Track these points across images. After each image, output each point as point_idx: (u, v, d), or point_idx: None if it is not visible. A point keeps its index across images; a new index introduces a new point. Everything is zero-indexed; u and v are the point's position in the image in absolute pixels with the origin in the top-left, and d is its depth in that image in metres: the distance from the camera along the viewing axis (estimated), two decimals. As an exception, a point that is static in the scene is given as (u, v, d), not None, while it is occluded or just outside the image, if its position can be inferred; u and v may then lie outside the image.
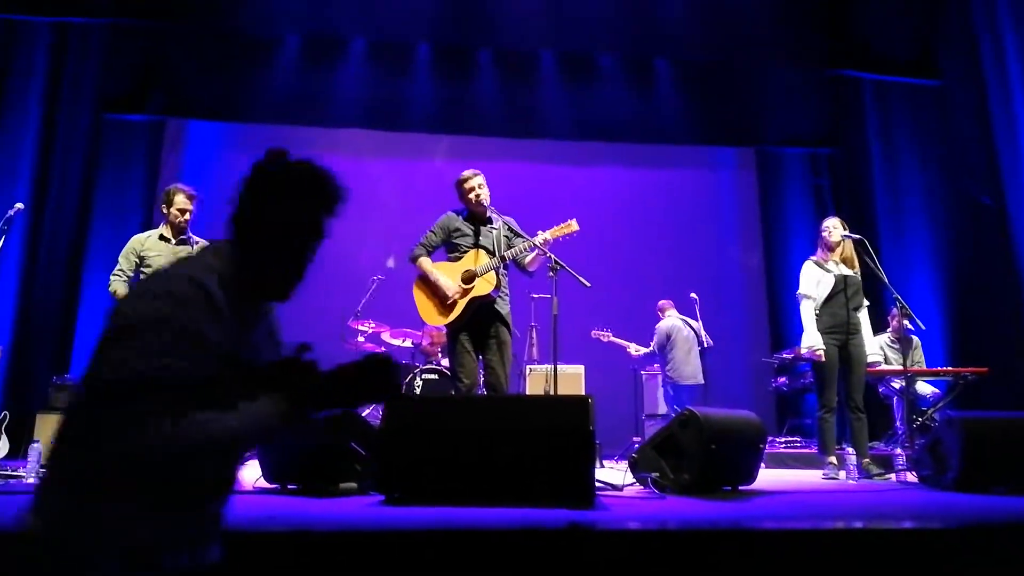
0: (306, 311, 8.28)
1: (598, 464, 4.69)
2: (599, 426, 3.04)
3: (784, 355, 7.73)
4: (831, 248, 5.20)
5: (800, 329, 5.20)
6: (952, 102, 8.07)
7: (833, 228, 5.21)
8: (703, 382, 7.06)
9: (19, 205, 4.93)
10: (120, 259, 4.63)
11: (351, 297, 7.27)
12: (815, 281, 5.16)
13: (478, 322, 4.33)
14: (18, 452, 5.62)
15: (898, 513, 3.09)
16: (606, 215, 8.63)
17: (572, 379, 6.93)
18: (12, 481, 4.11)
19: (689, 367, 7.02)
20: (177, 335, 1.29)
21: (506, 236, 4.48)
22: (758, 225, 9.16)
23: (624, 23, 8.41)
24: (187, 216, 4.66)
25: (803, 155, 9.11)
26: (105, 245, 7.44)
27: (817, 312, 5.10)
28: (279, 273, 1.67)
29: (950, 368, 6.60)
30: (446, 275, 4.38)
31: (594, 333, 7.40)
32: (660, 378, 7.30)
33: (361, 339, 7.18)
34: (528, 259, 4.41)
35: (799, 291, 5.23)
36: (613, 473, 4.53)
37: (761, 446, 4.03)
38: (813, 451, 6.33)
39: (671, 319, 7.24)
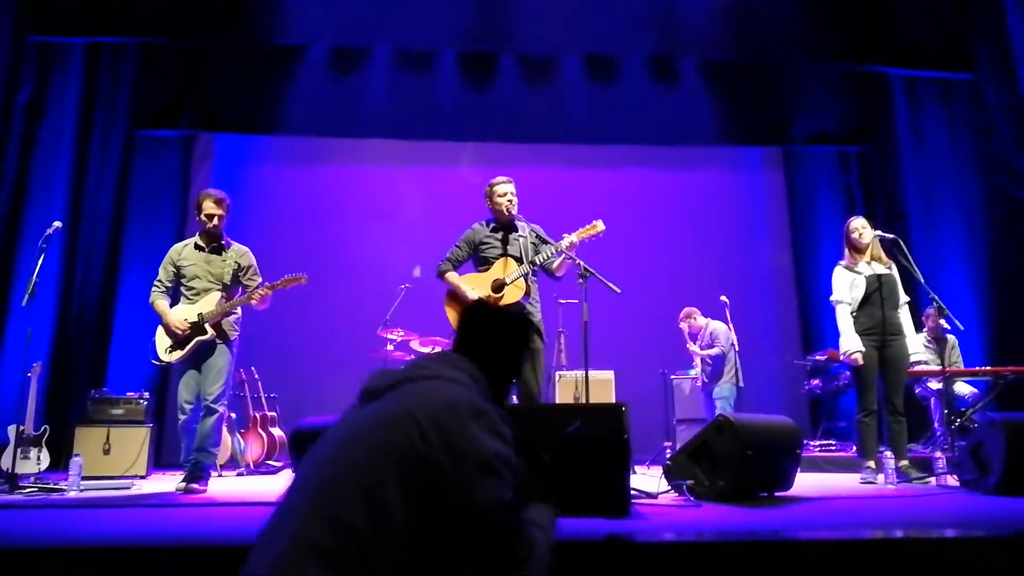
0: (335, 320, 8.42)
1: (631, 470, 4.66)
2: (631, 432, 3.03)
3: (817, 357, 7.64)
4: (860, 249, 5.10)
5: (835, 333, 5.13)
6: (984, 95, 7.91)
7: (862, 229, 5.11)
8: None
9: (57, 224, 5.02)
10: (159, 270, 4.70)
11: (379, 306, 7.31)
12: (848, 285, 5.07)
13: (509, 331, 4.32)
14: (58, 465, 5.74)
15: (939, 520, 3.03)
16: (633, 219, 8.59)
17: (603, 385, 6.90)
18: (54, 495, 4.20)
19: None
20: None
21: (533, 243, 4.48)
22: (787, 226, 9.06)
23: (648, 24, 8.37)
24: (216, 221, 4.64)
25: (832, 153, 9.00)
26: (139, 259, 7.59)
27: (854, 315, 5.02)
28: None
29: (989, 368, 6.46)
30: (474, 287, 4.39)
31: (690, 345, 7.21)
32: (703, 382, 7.14)
33: (390, 347, 7.21)
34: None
35: (832, 298, 5.15)
36: (646, 479, 4.50)
37: (797, 451, 3.98)
38: (848, 454, 6.24)
39: (714, 322, 7.15)
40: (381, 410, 1.54)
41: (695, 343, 7.15)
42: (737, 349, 6.97)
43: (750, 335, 7.54)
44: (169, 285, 4.67)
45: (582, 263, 4.23)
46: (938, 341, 6.27)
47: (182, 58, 8.07)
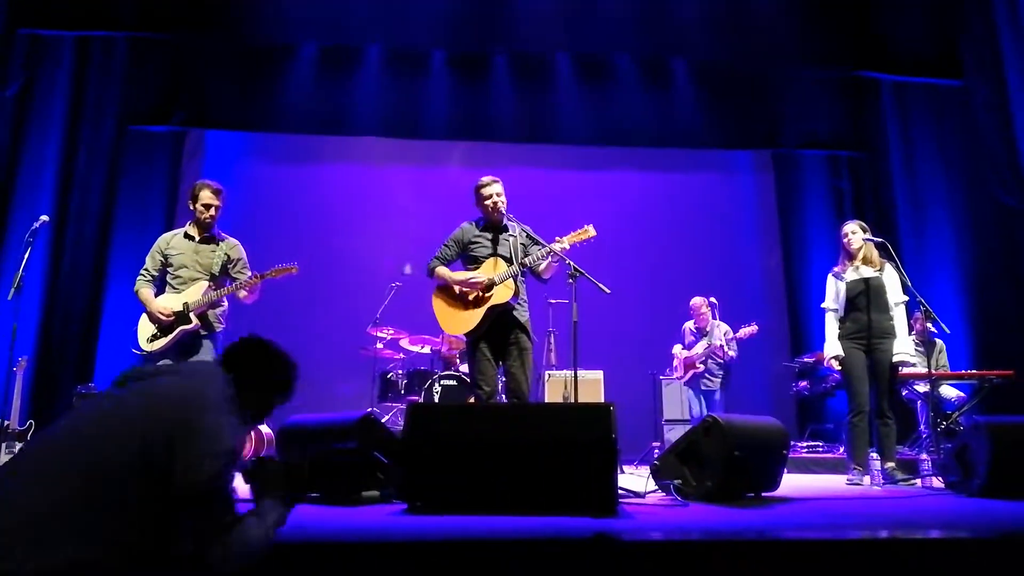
0: (325, 318, 8.40)
1: (618, 470, 4.67)
2: (619, 431, 3.03)
3: (805, 359, 7.68)
4: (851, 255, 5.13)
5: (823, 336, 5.16)
6: (974, 102, 7.98)
7: (852, 233, 5.14)
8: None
9: (44, 218, 4.99)
10: (147, 259, 4.61)
11: (369, 304, 7.30)
12: (835, 292, 5.12)
13: (498, 330, 4.33)
14: (44, 460, 5.69)
15: (925, 521, 3.05)
16: (623, 220, 8.61)
17: (592, 384, 6.91)
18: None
19: None
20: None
21: (523, 243, 4.47)
22: (777, 229, 9.10)
23: (640, 26, 8.40)
24: (212, 212, 4.58)
25: (822, 158, 9.04)
26: (127, 255, 7.54)
27: (842, 319, 5.06)
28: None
29: (975, 371, 6.51)
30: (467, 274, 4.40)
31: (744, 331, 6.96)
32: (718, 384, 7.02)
33: (380, 345, 7.20)
34: (543, 266, 4.38)
35: (823, 304, 5.20)
36: (634, 479, 4.51)
37: (784, 453, 4.00)
38: (835, 456, 6.28)
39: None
40: (144, 389, 1.80)
41: (703, 339, 7.04)
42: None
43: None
44: (156, 274, 4.58)
45: (572, 263, 4.23)
46: (926, 344, 6.31)
47: (173, 54, 8.03)
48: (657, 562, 2.11)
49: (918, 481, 4.62)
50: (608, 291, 4.11)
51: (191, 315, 4.40)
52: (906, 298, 5.12)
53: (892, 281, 5.09)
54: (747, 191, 9.40)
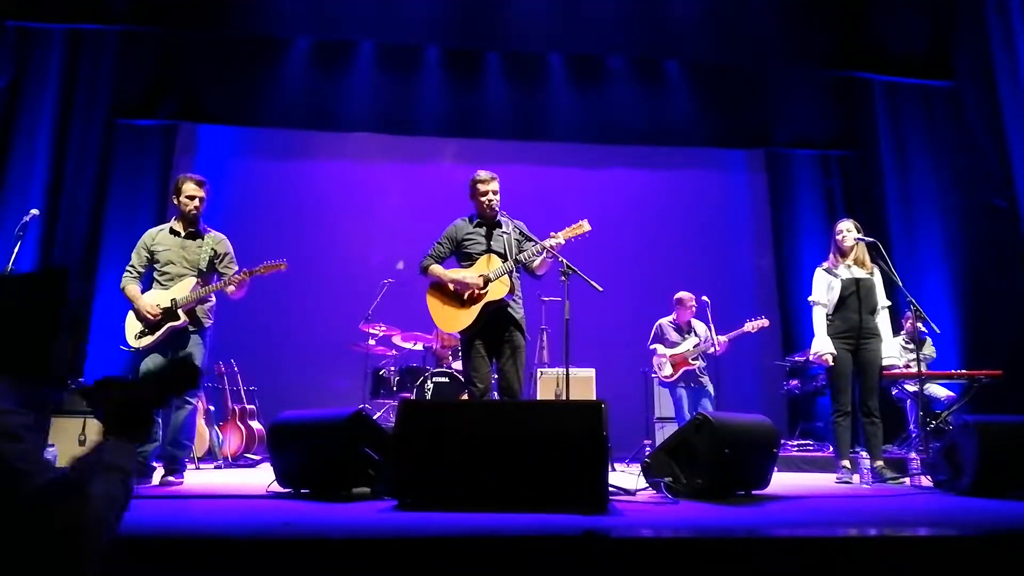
0: (317, 315, 8.38)
1: (609, 467, 4.67)
2: (610, 429, 3.04)
3: (796, 358, 7.70)
4: (844, 252, 5.16)
5: (812, 334, 5.19)
6: (965, 103, 8.02)
7: (847, 231, 5.16)
8: None
9: (34, 211, 4.96)
10: (132, 255, 4.58)
11: (361, 300, 7.29)
12: (825, 287, 5.14)
13: (492, 327, 4.32)
14: (33, 456, 5.66)
15: (913, 519, 3.07)
16: (616, 218, 8.62)
17: (583, 382, 6.91)
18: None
19: None
20: None
21: (517, 240, 4.47)
22: (769, 227, 9.13)
23: (634, 25, 8.39)
24: (196, 203, 4.53)
25: (814, 157, 9.08)
26: (118, 249, 7.49)
27: (830, 317, 5.08)
28: None
29: (964, 371, 6.55)
30: (461, 273, 4.39)
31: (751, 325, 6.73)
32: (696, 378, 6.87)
33: (372, 342, 7.19)
34: (536, 262, 4.38)
35: (810, 298, 5.21)
36: (625, 477, 4.52)
37: (774, 451, 4.01)
38: (825, 454, 6.30)
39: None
40: None
41: (683, 335, 6.97)
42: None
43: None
44: (142, 271, 4.55)
45: (565, 261, 4.23)
46: (916, 344, 6.34)
47: (164, 47, 7.99)
48: (647, 559, 2.11)
49: (907, 480, 4.65)
50: (601, 289, 4.11)
51: (179, 311, 4.38)
52: (889, 303, 5.19)
53: (879, 284, 5.15)
54: (740, 190, 9.43)
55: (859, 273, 5.10)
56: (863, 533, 2.37)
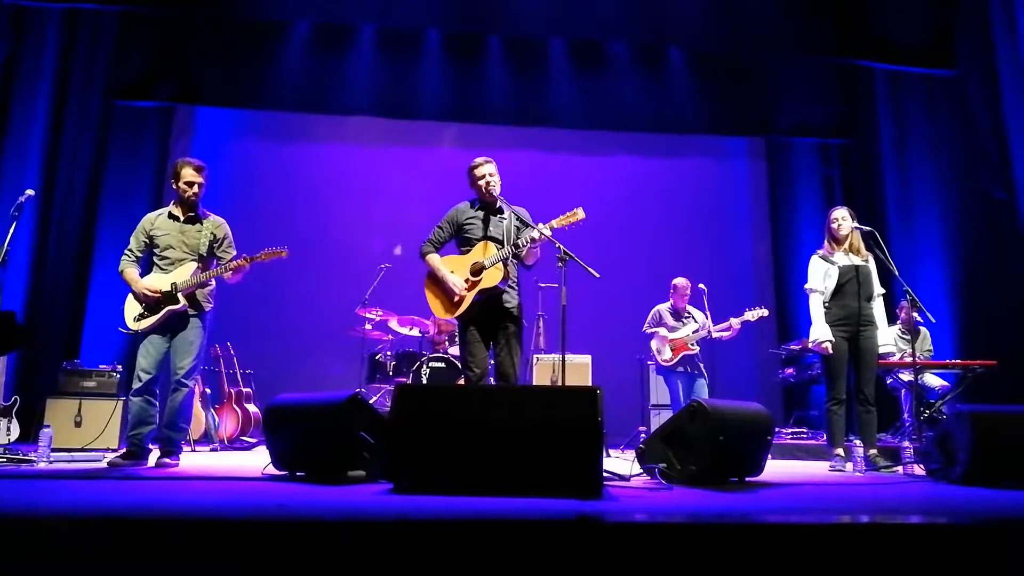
0: (314, 298, 8.38)
1: (604, 453, 4.69)
2: (605, 416, 3.05)
3: (791, 346, 7.72)
4: (839, 240, 5.15)
5: (808, 323, 5.19)
6: (966, 93, 7.99)
7: (842, 220, 5.15)
8: None
9: (30, 192, 4.93)
10: (131, 238, 4.58)
11: (359, 285, 7.28)
12: (822, 274, 5.12)
13: (488, 313, 4.32)
14: (28, 436, 5.68)
15: (905, 507, 3.09)
16: (615, 204, 8.61)
17: (579, 369, 6.93)
18: (23, 466, 4.15)
19: None
20: None
21: (516, 226, 4.46)
22: (767, 215, 9.13)
23: (635, 11, 8.36)
24: (196, 189, 4.52)
25: (814, 145, 9.07)
26: (114, 231, 7.49)
27: (827, 304, 5.08)
28: None
29: (959, 361, 6.58)
30: (454, 271, 4.37)
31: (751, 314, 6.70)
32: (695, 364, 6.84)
33: (369, 327, 7.19)
34: (524, 252, 4.34)
35: (806, 286, 5.21)
36: (620, 463, 4.54)
37: (769, 438, 4.02)
38: (820, 442, 6.33)
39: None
40: None
41: (681, 321, 6.96)
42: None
43: (726, 321, 7.58)
44: (140, 255, 4.55)
45: (562, 247, 4.22)
46: (911, 333, 6.36)
47: (162, 28, 7.94)
48: (640, 544, 2.12)
49: (900, 468, 4.67)
50: (598, 275, 4.10)
51: (179, 295, 4.39)
52: (884, 291, 5.18)
53: (873, 271, 5.15)
54: (740, 177, 9.41)
55: (856, 260, 5.10)
56: (855, 520, 2.38)
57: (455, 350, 6.70)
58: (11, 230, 4.71)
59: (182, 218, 4.57)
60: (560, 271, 4.22)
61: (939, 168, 8.21)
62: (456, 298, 4.30)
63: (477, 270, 4.32)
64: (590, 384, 6.69)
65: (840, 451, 4.88)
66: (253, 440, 6.70)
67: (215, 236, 4.60)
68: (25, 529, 2.08)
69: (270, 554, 2.03)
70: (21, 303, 7.04)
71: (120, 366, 6.24)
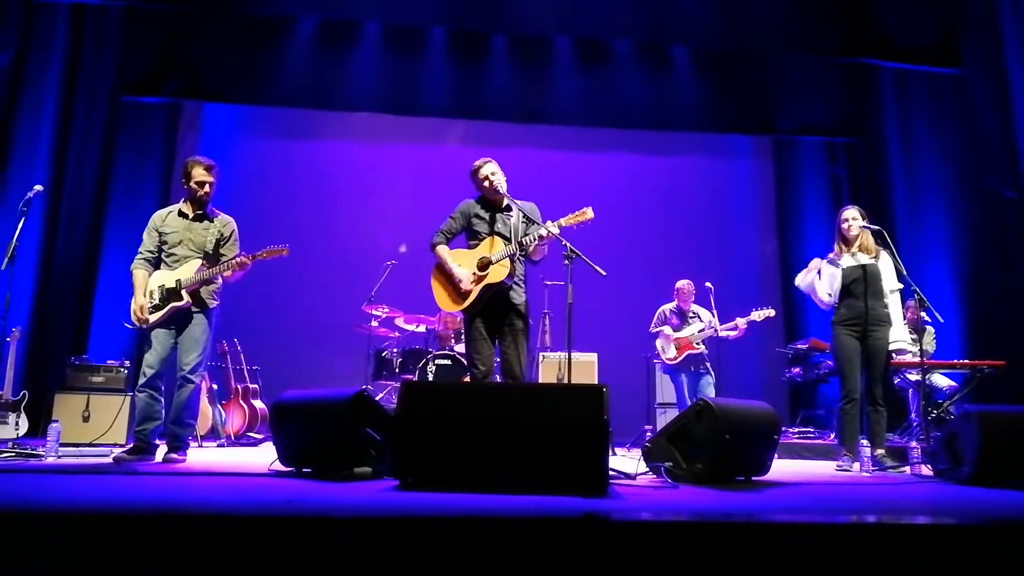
0: (320, 295, 8.39)
1: (610, 452, 4.69)
2: (611, 414, 3.04)
3: (798, 345, 7.70)
4: (848, 241, 5.13)
5: (817, 322, 5.18)
6: (973, 92, 7.94)
7: (852, 220, 5.12)
8: None
9: (38, 187, 4.95)
10: (144, 237, 4.60)
11: (365, 281, 7.29)
12: (828, 277, 5.13)
13: (493, 309, 4.33)
14: (37, 431, 5.71)
15: (912, 507, 3.08)
16: (620, 202, 8.60)
17: (585, 367, 6.93)
18: (31, 460, 4.17)
19: None
20: None
21: (523, 223, 4.46)
22: (774, 214, 9.10)
23: (640, 9, 8.33)
24: (207, 189, 4.54)
25: (820, 144, 9.04)
26: (122, 227, 7.52)
27: (835, 305, 5.07)
28: None
29: (967, 361, 6.54)
30: (462, 264, 4.38)
31: (757, 315, 6.72)
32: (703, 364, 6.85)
33: (375, 324, 7.20)
34: (531, 248, 4.36)
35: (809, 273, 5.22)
36: (625, 461, 4.54)
37: (775, 437, 4.01)
38: (826, 442, 6.31)
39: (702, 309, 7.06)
40: None
41: (693, 320, 6.95)
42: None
43: (732, 321, 7.57)
44: (153, 254, 4.56)
45: (569, 245, 4.22)
46: (917, 332, 6.32)
47: (169, 24, 7.95)
48: (646, 543, 2.12)
49: (907, 468, 4.65)
50: (604, 273, 4.10)
51: (183, 292, 4.40)
52: (900, 286, 5.14)
53: (887, 269, 5.11)
54: (745, 176, 9.39)
55: (864, 259, 5.07)
56: (862, 520, 2.38)
57: (461, 347, 6.70)
58: (19, 225, 4.73)
59: (191, 216, 4.59)
60: (566, 269, 4.22)
61: (946, 167, 8.16)
62: (463, 290, 4.31)
63: (483, 265, 4.32)
64: (596, 382, 6.68)
65: (848, 451, 4.85)
66: (260, 436, 6.72)
67: (222, 234, 4.62)
68: (33, 523, 2.10)
69: (276, 550, 2.04)
70: (29, 298, 7.07)
71: (128, 361, 6.26)
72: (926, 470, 4.49)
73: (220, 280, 4.61)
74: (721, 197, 9.28)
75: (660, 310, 7.04)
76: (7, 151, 7.21)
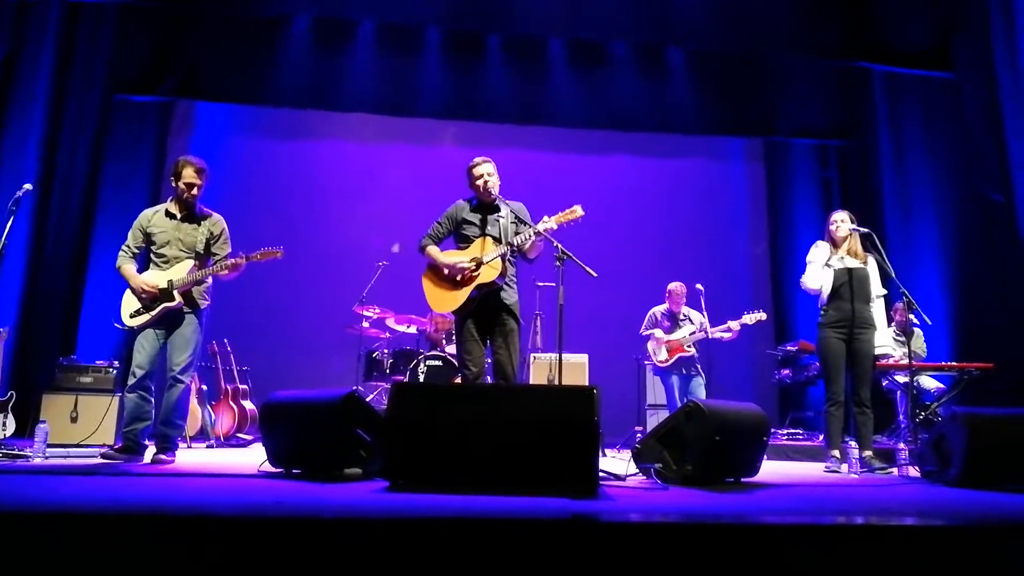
0: (311, 296, 8.37)
1: (600, 453, 4.69)
2: (602, 415, 3.05)
3: (788, 347, 7.73)
4: (837, 243, 5.17)
5: (807, 324, 5.21)
6: (964, 96, 7.99)
7: (841, 222, 5.17)
8: None
9: (27, 186, 4.92)
10: (128, 234, 4.59)
11: (356, 282, 7.28)
12: (821, 262, 5.14)
13: (484, 310, 4.33)
14: (24, 431, 5.67)
15: (900, 509, 3.09)
16: (614, 203, 8.61)
17: (576, 368, 6.94)
18: (18, 461, 4.14)
19: None
20: None
21: (513, 223, 4.47)
22: (765, 216, 9.13)
23: (636, 11, 8.36)
24: (194, 192, 4.52)
25: (812, 147, 9.08)
26: (111, 226, 7.47)
27: (823, 306, 5.10)
28: None
29: (955, 363, 6.58)
30: (455, 258, 4.39)
31: (749, 318, 6.72)
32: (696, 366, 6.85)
33: (366, 324, 7.19)
34: (527, 246, 4.36)
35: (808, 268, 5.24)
36: (615, 462, 4.54)
37: (765, 439, 4.03)
38: (815, 444, 6.34)
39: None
40: None
41: (684, 323, 6.97)
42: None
43: (723, 324, 7.59)
44: (137, 251, 4.55)
45: (560, 246, 4.23)
46: (906, 335, 6.36)
47: (163, 23, 7.93)
48: (635, 544, 2.12)
49: (895, 470, 4.68)
50: (595, 274, 4.11)
51: (175, 293, 4.39)
52: (885, 291, 5.19)
53: (874, 273, 5.15)
54: (738, 178, 9.42)
55: (852, 263, 5.11)
56: (850, 521, 2.39)
57: (452, 348, 6.69)
58: (8, 224, 4.69)
59: (179, 216, 4.56)
60: (558, 270, 4.22)
61: (937, 170, 8.21)
62: (464, 276, 4.29)
63: (475, 266, 4.32)
64: (587, 383, 6.69)
65: (836, 452, 4.89)
66: (249, 437, 6.69)
67: (212, 233, 4.61)
68: (20, 524, 2.08)
69: (266, 551, 2.03)
70: (17, 297, 7.02)
71: (116, 362, 6.23)
72: (914, 472, 4.52)
73: (210, 280, 4.60)
74: (713, 199, 9.30)
75: (651, 312, 7.06)
76: (-4, 147, 7.16)
